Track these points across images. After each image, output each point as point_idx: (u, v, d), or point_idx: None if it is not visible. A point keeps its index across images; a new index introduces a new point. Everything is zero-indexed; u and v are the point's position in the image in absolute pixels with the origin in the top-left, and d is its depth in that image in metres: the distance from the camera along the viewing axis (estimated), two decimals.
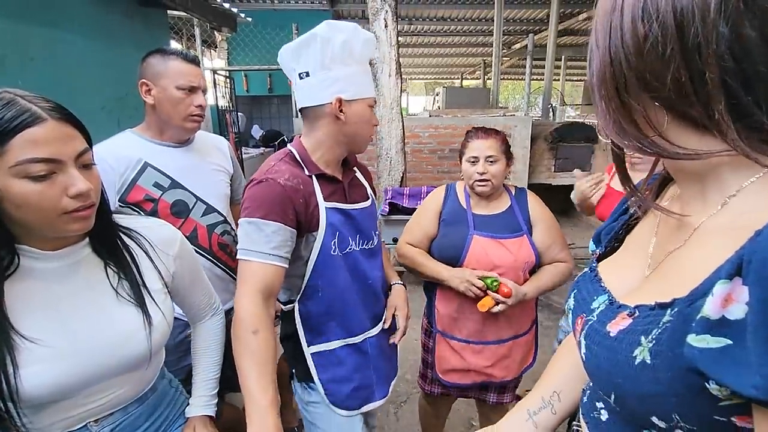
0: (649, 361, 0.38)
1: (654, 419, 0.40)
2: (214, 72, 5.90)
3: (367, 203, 1.15)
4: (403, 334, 1.18)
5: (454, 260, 1.35)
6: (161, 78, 1.22)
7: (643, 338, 0.39)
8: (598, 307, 0.49)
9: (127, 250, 0.81)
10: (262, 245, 0.91)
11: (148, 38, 3.26)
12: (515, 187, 1.46)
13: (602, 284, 0.53)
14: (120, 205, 1.19)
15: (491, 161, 1.31)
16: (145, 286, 0.82)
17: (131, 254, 0.82)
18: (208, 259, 1.32)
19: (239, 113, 5.96)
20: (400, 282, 1.26)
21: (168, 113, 1.24)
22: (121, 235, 0.82)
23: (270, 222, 0.92)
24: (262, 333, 0.88)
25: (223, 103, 5.92)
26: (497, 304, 1.26)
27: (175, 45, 5.92)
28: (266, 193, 0.93)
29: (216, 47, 7.02)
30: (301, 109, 1.04)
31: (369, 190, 1.22)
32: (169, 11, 3.74)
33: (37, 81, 2.13)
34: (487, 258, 1.32)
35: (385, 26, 3.21)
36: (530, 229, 1.37)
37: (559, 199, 5.54)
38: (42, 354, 0.68)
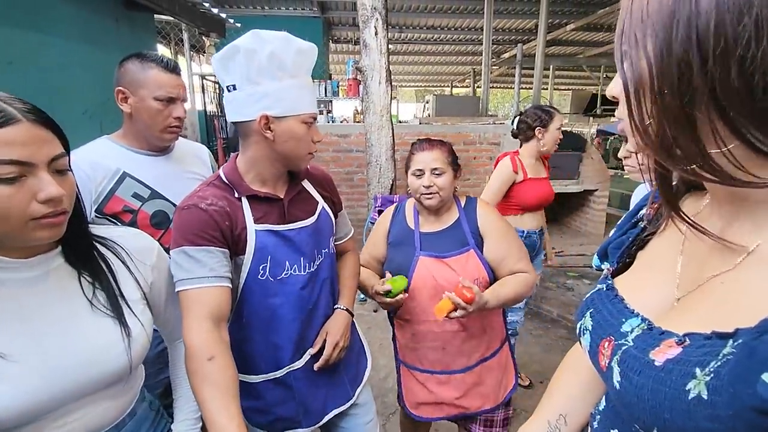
0: (705, 397, 0.34)
1: None
2: (203, 77, 5.84)
3: (309, 221, 1.05)
4: (327, 362, 1.06)
5: None
6: (139, 87, 1.17)
7: (698, 370, 0.35)
8: (632, 331, 0.45)
9: (103, 260, 0.77)
10: (197, 271, 0.87)
11: (135, 42, 3.21)
12: (466, 197, 1.35)
13: (627, 305, 0.49)
14: (96, 216, 1.14)
15: (437, 173, 1.23)
16: (122, 296, 0.77)
17: (107, 264, 0.78)
18: None
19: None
20: (342, 307, 1.13)
21: (145, 124, 1.19)
22: (96, 244, 0.78)
23: (198, 247, 0.88)
24: (218, 359, 0.82)
25: (211, 108, 5.86)
26: (456, 309, 1.12)
27: (162, 50, 5.85)
28: (189, 220, 0.90)
29: (204, 52, 6.96)
30: (233, 124, 0.99)
31: (321, 203, 1.11)
32: (156, 15, 3.69)
33: (15, 85, 2.06)
34: (433, 280, 1.23)
35: (376, 34, 3.20)
36: (480, 241, 1.26)
37: (546, 207, 5.58)
38: (9, 371, 0.63)
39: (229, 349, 0.88)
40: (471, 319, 1.21)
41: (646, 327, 0.44)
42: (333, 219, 1.14)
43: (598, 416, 0.53)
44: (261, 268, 0.96)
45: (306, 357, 1.06)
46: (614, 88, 0.42)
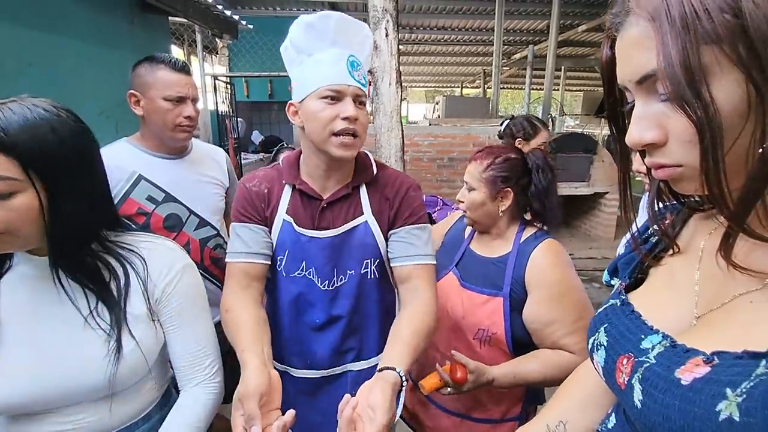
0: (738, 419, 0.33)
1: None
2: (215, 78, 5.90)
3: (327, 232, 0.95)
4: None
5: None
6: (149, 89, 1.19)
7: (729, 391, 0.34)
8: (653, 348, 0.43)
9: (112, 273, 0.75)
10: (236, 246, 0.96)
11: (149, 44, 3.25)
12: (538, 231, 1.09)
13: (645, 321, 0.47)
14: None
15: (468, 188, 1.10)
16: (124, 312, 0.74)
17: (116, 277, 0.75)
18: (200, 273, 1.30)
19: (239, 119, 5.96)
20: (394, 368, 0.76)
21: (157, 125, 1.21)
22: (107, 257, 0.75)
23: (240, 224, 0.97)
24: (231, 311, 0.90)
25: (223, 108, 5.92)
26: (446, 385, 0.96)
27: (176, 51, 5.93)
28: (237, 198, 0.99)
29: (217, 53, 7.04)
30: None
31: (365, 217, 0.97)
32: (170, 17, 3.74)
33: (34, 86, 2.11)
34: (445, 302, 1.10)
35: (386, 36, 3.20)
36: (521, 294, 1.01)
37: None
38: (6, 363, 0.68)
39: (251, 303, 0.93)
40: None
41: (668, 344, 0.43)
42: (378, 236, 0.98)
43: None
44: (278, 258, 0.98)
45: (302, 372, 1.03)
46: (647, 135, 0.39)
